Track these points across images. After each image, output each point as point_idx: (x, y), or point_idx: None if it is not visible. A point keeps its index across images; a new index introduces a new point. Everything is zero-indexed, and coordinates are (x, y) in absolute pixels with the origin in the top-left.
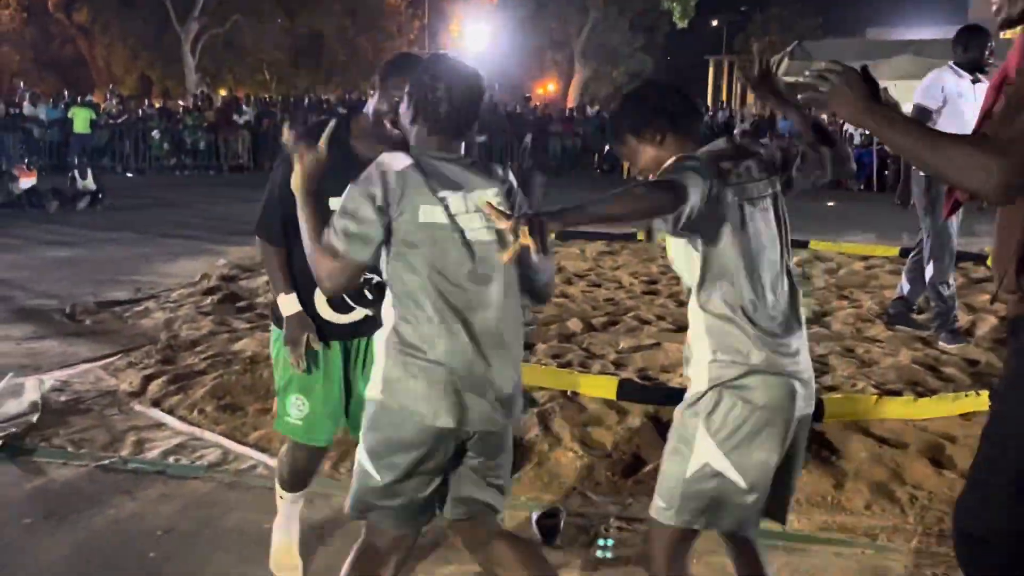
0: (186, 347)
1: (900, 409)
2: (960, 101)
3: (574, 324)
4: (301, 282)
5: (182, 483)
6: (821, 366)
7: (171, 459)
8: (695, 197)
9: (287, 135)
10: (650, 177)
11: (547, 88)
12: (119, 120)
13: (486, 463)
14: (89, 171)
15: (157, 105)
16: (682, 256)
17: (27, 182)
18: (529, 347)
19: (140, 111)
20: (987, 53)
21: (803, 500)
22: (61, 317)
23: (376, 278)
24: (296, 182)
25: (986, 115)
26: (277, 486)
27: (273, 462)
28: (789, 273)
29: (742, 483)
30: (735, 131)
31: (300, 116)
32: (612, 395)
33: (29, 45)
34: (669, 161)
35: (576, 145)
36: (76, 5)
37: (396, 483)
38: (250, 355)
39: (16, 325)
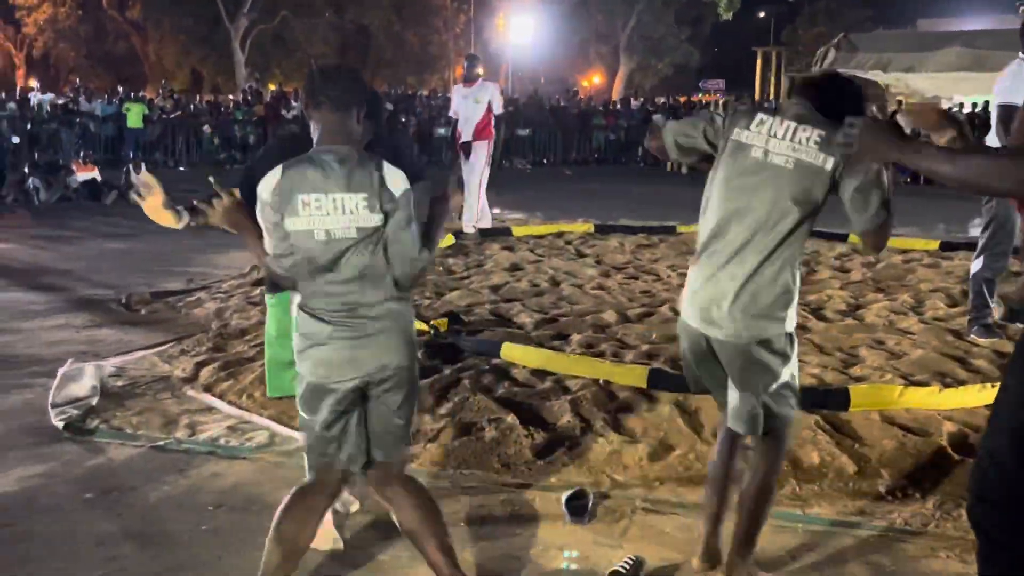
0: (236, 335)
1: (925, 399)
2: None
3: (609, 315)
4: None
5: (232, 463)
6: (851, 357)
7: (222, 440)
8: None
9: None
10: None
11: (592, 81)
12: (171, 115)
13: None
14: (143, 165)
15: (207, 100)
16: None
17: (83, 175)
18: (563, 337)
19: (191, 106)
20: None
21: (826, 486)
22: (117, 306)
23: None
24: (217, 220)
25: None
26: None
27: None
28: None
29: None
30: None
31: None
32: (643, 383)
33: (84, 42)
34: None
35: (620, 138)
36: (129, 2)
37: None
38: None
39: (75, 314)
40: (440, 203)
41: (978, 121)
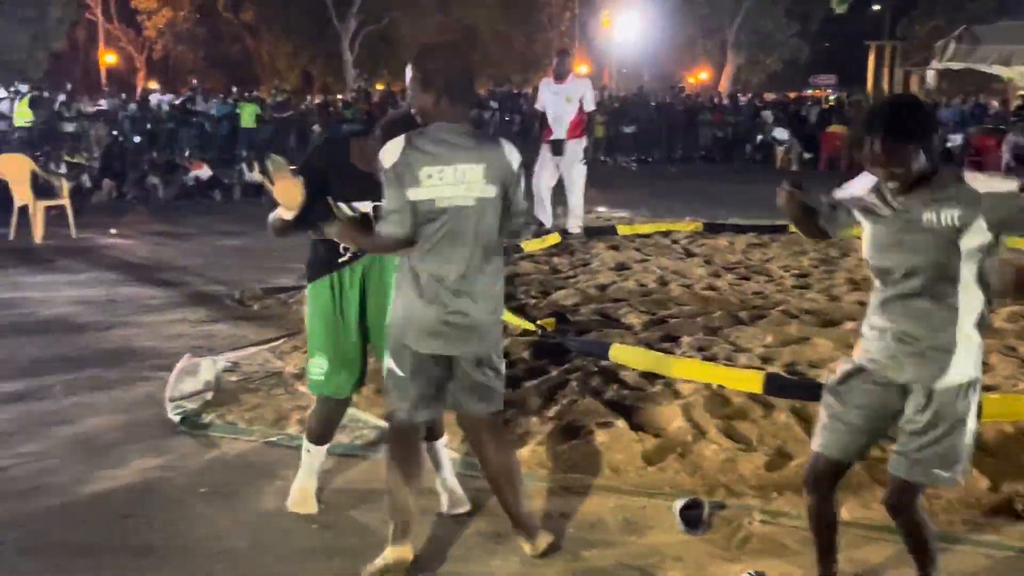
0: None
1: None
2: None
3: (721, 317)
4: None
5: (342, 460)
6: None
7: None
8: None
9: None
10: None
11: (698, 77)
12: (283, 115)
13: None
14: (256, 164)
15: (317, 100)
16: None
17: (198, 174)
18: (673, 339)
19: (302, 106)
20: None
21: (953, 499)
22: (231, 302)
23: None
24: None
25: None
26: (304, 441)
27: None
28: None
29: None
30: None
31: None
32: (758, 389)
33: (201, 44)
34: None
35: (728, 135)
36: (244, 5)
37: None
38: None
39: (191, 309)
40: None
41: None
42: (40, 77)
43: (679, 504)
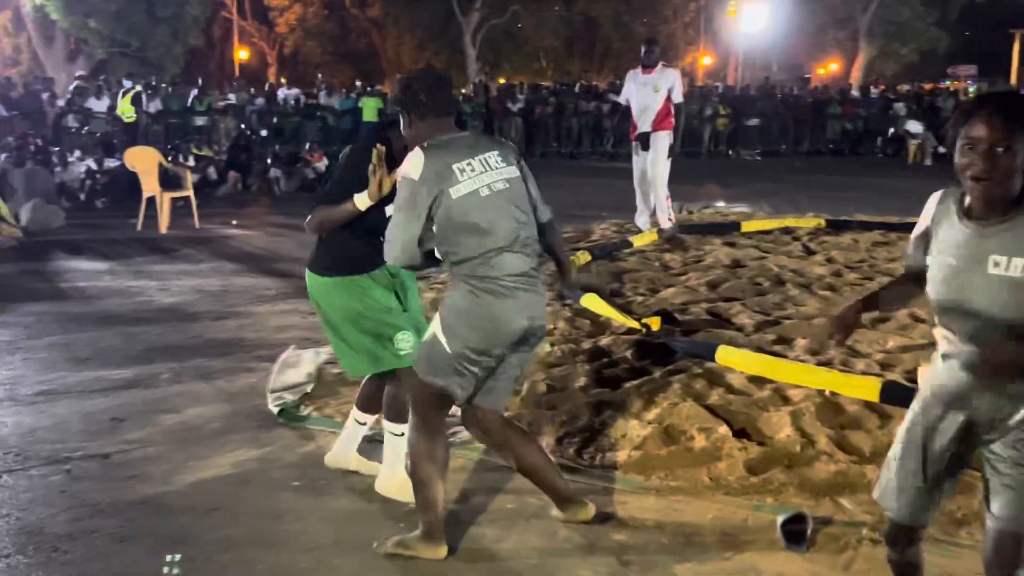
0: None
1: None
2: None
3: None
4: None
5: None
6: None
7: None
8: None
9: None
10: None
11: (828, 68)
12: None
13: None
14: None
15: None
16: None
17: (318, 166)
18: (786, 342)
19: None
20: None
21: None
22: None
23: None
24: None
25: None
26: (393, 425)
27: None
28: None
29: None
30: None
31: (570, 103)
32: (875, 397)
33: (329, 39)
34: None
35: (858, 127)
36: (370, 0)
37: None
38: None
39: (303, 300)
40: None
41: None
42: (176, 72)
43: (782, 518)
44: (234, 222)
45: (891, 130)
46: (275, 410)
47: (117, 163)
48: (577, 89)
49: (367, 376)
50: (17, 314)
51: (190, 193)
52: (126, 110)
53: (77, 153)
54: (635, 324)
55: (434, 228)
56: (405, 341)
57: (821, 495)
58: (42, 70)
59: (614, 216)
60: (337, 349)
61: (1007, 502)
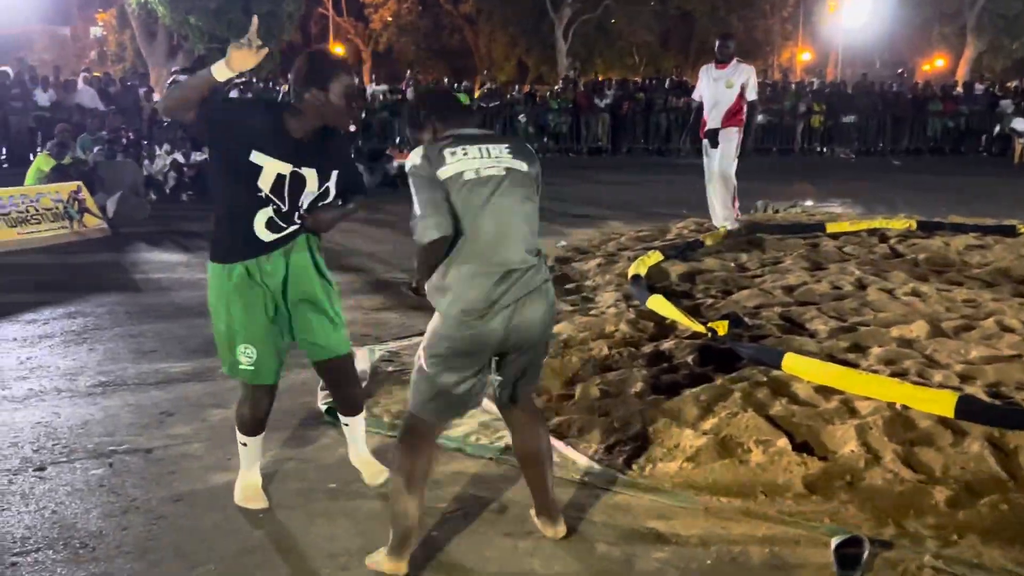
0: None
1: None
2: None
3: (919, 327)
4: (239, 212)
5: (477, 463)
6: None
7: (472, 438)
8: None
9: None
10: None
11: (933, 64)
12: (490, 104)
13: None
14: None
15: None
16: None
17: (399, 162)
18: (861, 350)
19: (508, 95)
20: None
21: None
22: (407, 290)
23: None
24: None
25: None
26: (239, 434)
27: (568, 450)
28: None
29: None
30: None
31: (660, 98)
32: (949, 412)
33: (422, 36)
34: None
35: (960, 125)
36: None
37: None
38: (564, 338)
39: (368, 296)
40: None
41: None
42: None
43: (836, 541)
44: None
45: (996, 128)
46: (323, 408)
47: (203, 157)
48: (667, 85)
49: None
50: (92, 304)
51: None
52: None
53: (166, 147)
54: (701, 328)
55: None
56: (246, 355)
57: (883, 516)
58: (144, 66)
59: (695, 214)
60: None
61: None
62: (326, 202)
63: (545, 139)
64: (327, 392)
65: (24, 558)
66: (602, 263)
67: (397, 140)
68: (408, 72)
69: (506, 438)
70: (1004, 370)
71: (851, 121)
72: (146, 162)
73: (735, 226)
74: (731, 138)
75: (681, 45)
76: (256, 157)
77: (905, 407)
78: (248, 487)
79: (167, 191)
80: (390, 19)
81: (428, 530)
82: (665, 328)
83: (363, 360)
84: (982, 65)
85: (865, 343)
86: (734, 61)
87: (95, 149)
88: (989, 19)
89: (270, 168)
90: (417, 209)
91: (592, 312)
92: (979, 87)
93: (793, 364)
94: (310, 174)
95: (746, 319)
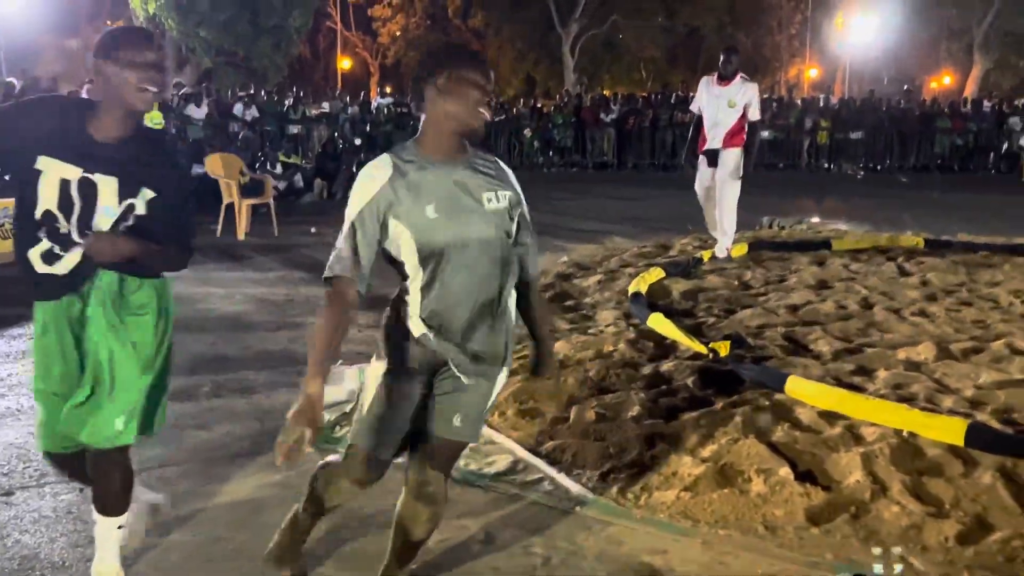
0: None
1: None
2: None
3: (926, 349)
4: (18, 237)
5: (465, 490)
6: None
7: (461, 462)
8: None
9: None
10: None
11: (941, 81)
12: (496, 118)
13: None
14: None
15: (541, 105)
16: None
17: None
18: (867, 373)
19: (514, 110)
20: None
21: None
22: None
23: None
24: None
25: None
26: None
27: (562, 477)
28: None
29: None
30: None
31: (666, 114)
32: (959, 440)
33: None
34: None
35: (968, 142)
36: (472, 11)
37: None
38: (562, 358)
39: (363, 312)
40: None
41: None
42: (279, 81)
43: None
44: (313, 230)
45: (1005, 146)
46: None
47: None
48: (673, 100)
49: None
50: None
51: (270, 200)
52: (154, 116)
53: None
54: (702, 348)
55: None
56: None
57: (890, 550)
58: None
59: (699, 229)
60: None
61: None
62: (129, 225)
63: (551, 153)
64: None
65: None
66: (603, 280)
67: None
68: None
69: (496, 464)
70: (1016, 395)
71: (858, 137)
72: None
73: (724, 254)
74: (733, 160)
75: (689, 61)
76: (41, 162)
77: (913, 434)
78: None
79: None
80: (399, 33)
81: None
82: (665, 348)
83: (352, 380)
84: (989, 82)
85: (871, 366)
86: (738, 78)
87: None
88: (996, 36)
89: (53, 173)
90: None
91: (591, 331)
92: (987, 104)
93: (796, 388)
94: (106, 183)
95: (748, 339)
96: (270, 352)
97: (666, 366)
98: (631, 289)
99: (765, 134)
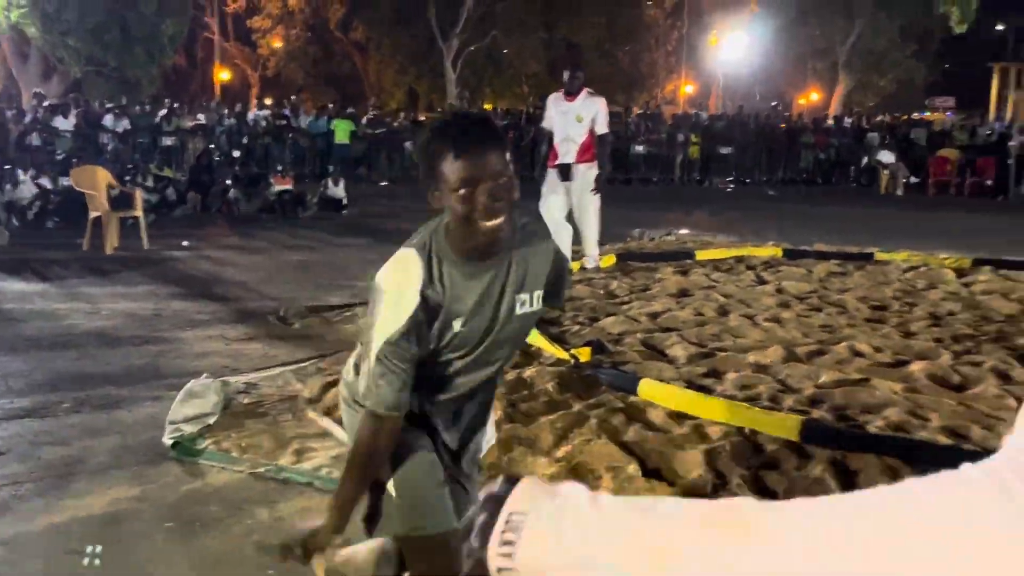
0: None
1: None
2: None
3: (774, 352)
4: None
5: (326, 497)
6: None
7: (324, 471)
8: None
9: None
10: None
11: (809, 98)
12: (376, 131)
13: None
14: (342, 180)
15: (422, 118)
16: None
17: (280, 188)
18: (717, 375)
19: (395, 124)
20: None
21: None
22: (274, 319)
23: None
24: None
25: None
26: None
27: None
28: None
29: None
30: (1010, 144)
31: None
32: (795, 436)
33: (311, 62)
34: None
35: (831, 157)
36: (353, 24)
37: None
38: None
39: (233, 325)
40: None
41: None
42: (153, 92)
43: None
44: (184, 243)
45: (864, 160)
46: (169, 443)
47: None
48: None
49: None
50: None
51: (139, 214)
52: None
53: (31, 172)
54: (564, 355)
55: None
56: None
57: None
58: (17, 88)
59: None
60: None
61: None
62: None
63: None
64: (176, 426)
65: None
66: None
67: (279, 167)
68: (292, 97)
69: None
70: (851, 393)
71: (728, 152)
72: (8, 187)
73: (593, 264)
74: (589, 175)
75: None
76: None
77: (754, 431)
78: None
79: (30, 218)
80: (279, 45)
81: (265, 571)
82: (530, 355)
83: (216, 393)
84: (852, 100)
85: (722, 368)
86: (584, 93)
87: None
88: (858, 56)
89: None
90: None
91: None
92: (848, 120)
93: (649, 390)
94: None
95: (609, 345)
96: (135, 367)
97: (528, 372)
98: None
99: (639, 149)
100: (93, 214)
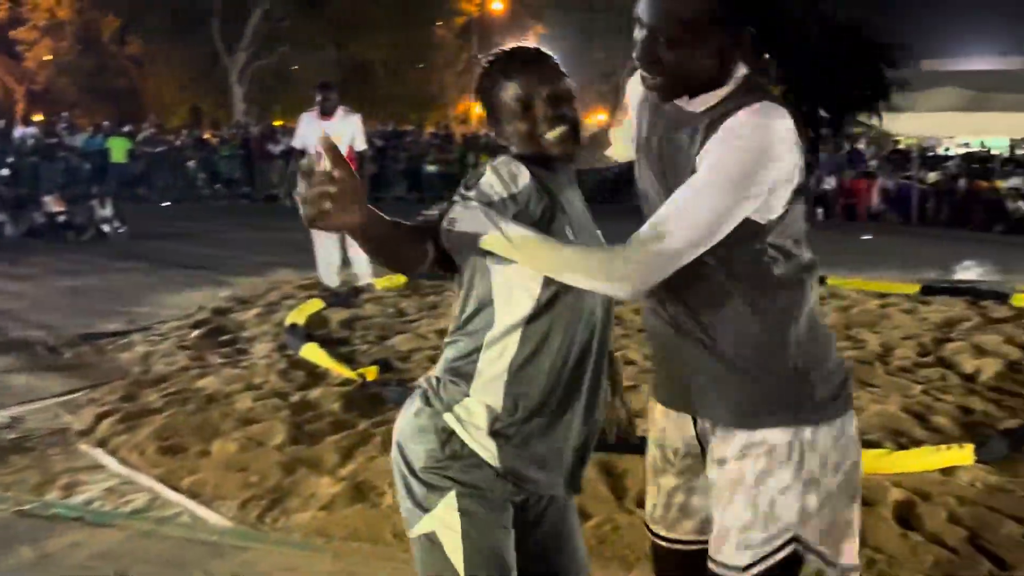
0: (152, 383)
1: (872, 463)
2: None
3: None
4: None
5: (96, 531)
6: None
7: (95, 504)
8: None
9: None
10: None
11: (596, 119)
12: (156, 150)
13: None
14: (109, 201)
15: (207, 136)
16: None
17: (52, 210)
18: None
19: (177, 141)
20: None
21: None
22: (43, 350)
23: None
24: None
25: None
26: None
27: (201, 509)
28: None
29: None
30: None
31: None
32: None
33: (85, 76)
34: None
35: (609, 174)
36: (129, 37)
37: None
38: (209, 393)
39: None
40: None
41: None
42: None
43: None
44: None
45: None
46: None
47: None
48: None
49: None
50: None
51: None
52: None
53: None
54: (351, 374)
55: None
56: None
57: None
58: None
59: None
60: None
61: None
62: None
63: (217, 185)
64: None
65: None
66: (261, 313)
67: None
68: (64, 114)
69: (135, 502)
70: None
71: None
72: None
73: (367, 283)
74: None
75: (362, 93)
76: None
77: None
78: None
79: None
80: (48, 57)
81: None
82: (317, 376)
83: None
84: None
85: None
86: (340, 111)
87: None
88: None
89: None
90: None
91: (243, 364)
92: None
93: None
94: None
95: (397, 363)
96: None
97: (314, 393)
98: (288, 321)
99: (432, 168)
100: None
